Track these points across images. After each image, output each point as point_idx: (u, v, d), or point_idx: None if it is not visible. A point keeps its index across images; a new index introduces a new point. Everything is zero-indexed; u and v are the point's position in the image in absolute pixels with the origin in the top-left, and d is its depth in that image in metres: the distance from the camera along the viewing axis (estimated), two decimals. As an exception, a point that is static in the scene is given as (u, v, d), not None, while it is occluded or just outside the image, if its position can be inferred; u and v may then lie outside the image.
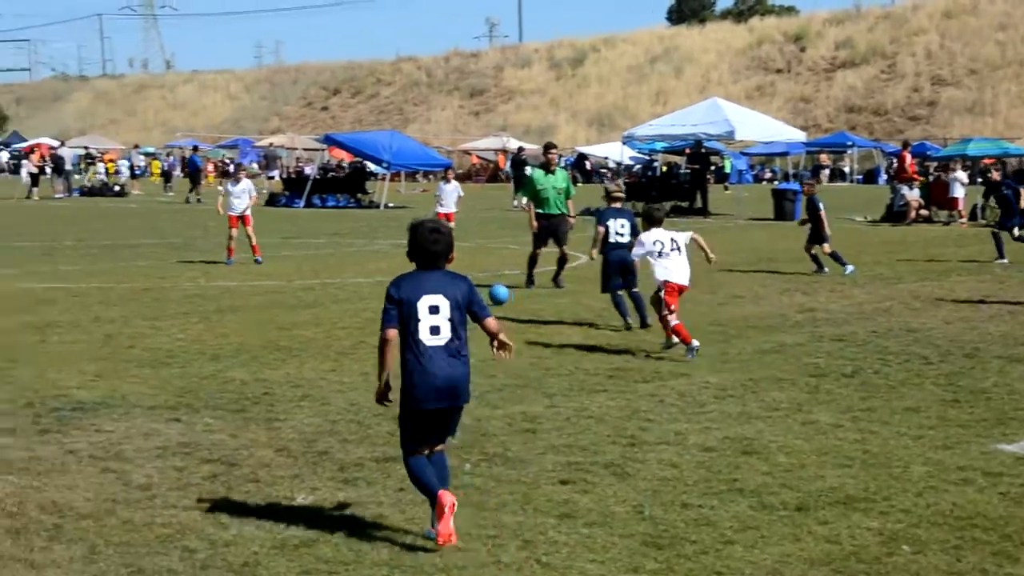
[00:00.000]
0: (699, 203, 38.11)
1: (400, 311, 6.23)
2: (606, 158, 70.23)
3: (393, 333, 6.22)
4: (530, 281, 17.81)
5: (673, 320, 11.95)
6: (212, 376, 10.65)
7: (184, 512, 6.60)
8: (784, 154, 62.45)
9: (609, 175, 39.42)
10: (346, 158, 59.40)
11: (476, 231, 30.41)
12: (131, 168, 61.46)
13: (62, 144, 62.64)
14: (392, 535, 6.24)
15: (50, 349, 12.03)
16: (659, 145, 44.46)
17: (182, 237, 27.77)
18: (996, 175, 29.01)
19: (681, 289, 12.32)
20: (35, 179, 50.27)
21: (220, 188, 21.99)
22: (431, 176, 66.59)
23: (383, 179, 44.85)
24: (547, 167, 17.99)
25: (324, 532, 6.27)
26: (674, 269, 12.29)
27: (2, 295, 16.40)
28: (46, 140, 78.14)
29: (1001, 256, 21.10)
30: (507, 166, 65.55)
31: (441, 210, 24.92)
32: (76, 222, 33.98)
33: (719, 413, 9.21)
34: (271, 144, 71.62)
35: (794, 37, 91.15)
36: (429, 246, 6.33)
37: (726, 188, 54.97)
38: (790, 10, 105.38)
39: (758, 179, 69.47)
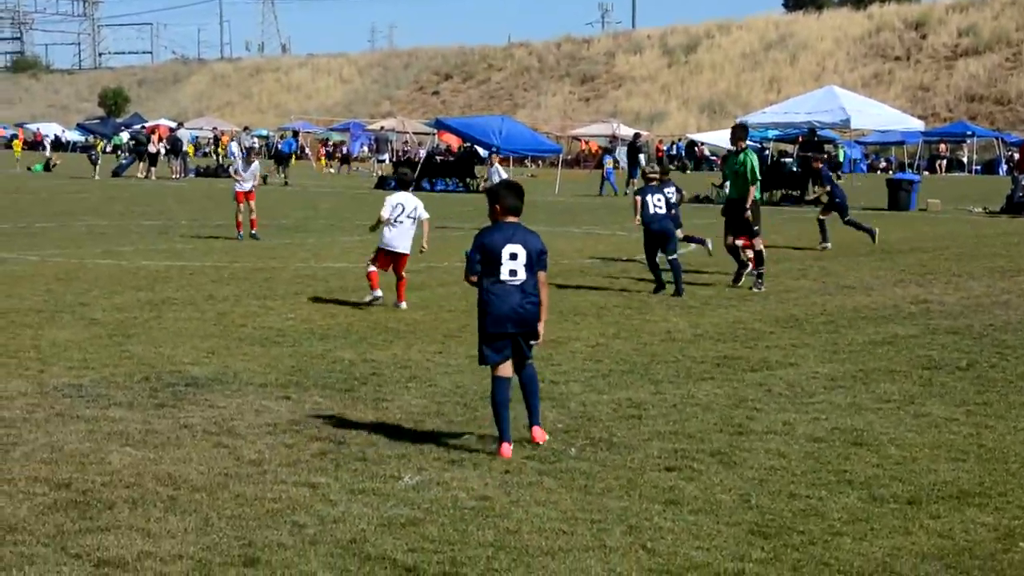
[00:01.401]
0: (811, 193, 37.50)
1: (484, 257, 7.66)
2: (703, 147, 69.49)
3: (475, 279, 7.73)
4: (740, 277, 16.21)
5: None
6: (321, 356, 10.80)
7: (294, 488, 6.70)
8: (900, 143, 61.29)
9: (645, 159, 39.56)
10: (455, 142, 59.75)
11: (586, 217, 30.37)
12: (242, 150, 62.49)
13: (179, 126, 63.91)
14: (497, 517, 6.27)
15: (165, 326, 12.30)
16: (771, 133, 43.91)
17: (292, 218, 28.18)
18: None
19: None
20: (153, 159, 51.38)
21: (235, 169, 23.90)
22: (540, 162, 66.65)
23: (491, 164, 44.96)
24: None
25: (430, 512, 6.32)
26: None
27: (123, 272, 16.81)
28: (165, 122, 79.81)
29: None
30: (618, 152, 65.26)
31: None
32: (191, 202, 34.69)
33: (828, 404, 9.07)
34: (382, 128, 72.16)
35: (915, 24, 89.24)
36: (507, 200, 7.76)
37: (839, 177, 54.02)
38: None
39: (872, 168, 68.25)
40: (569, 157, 68.45)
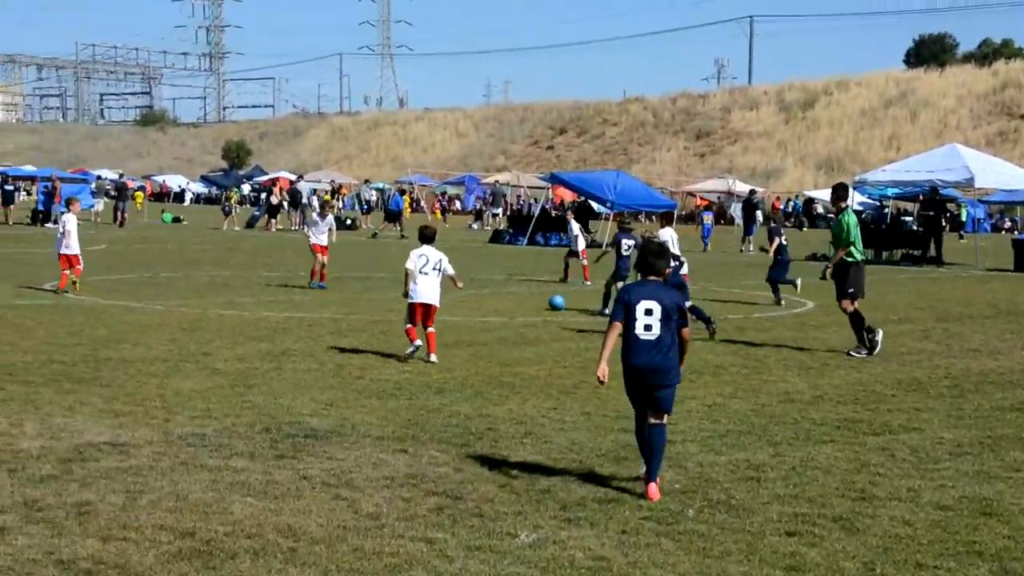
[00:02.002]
0: (932, 251, 36.84)
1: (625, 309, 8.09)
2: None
3: (618, 325, 8.11)
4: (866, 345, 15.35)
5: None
6: (437, 409, 10.85)
7: (411, 543, 6.73)
8: (1025, 202, 59.78)
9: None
10: (569, 197, 59.95)
11: (701, 275, 30.11)
12: (361, 203, 63.53)
13: (300, 178, 65.24)
14: (615, 578, 6.21)
15: (285, 377, 12.49)
16: (891, 191, 43.27)
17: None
18: None
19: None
20: (274, 211, 52.49)
21: (310, 222, 25.75)
22: (654, 217, 66.50)
23: (606, 218, 45.02)
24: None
25: (547, 571, 6.29)
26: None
27: (244, 323, 17.14)
28: (285, 174, 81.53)
29: None
30: (733, 208, 64.86)
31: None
32: (310, 254, 35.22)
33: (954, 471, 8.83)
34: (496, 181, 72.88)
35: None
36: (652, 261, 8.32)
37: (961, 237, 53.03)
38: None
39: (996, 228, 66.76)
40: (684, 213, 68.19)
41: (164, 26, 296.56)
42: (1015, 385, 13.04)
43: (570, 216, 30.65)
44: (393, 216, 50.59)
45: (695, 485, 8.23)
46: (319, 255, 23.74)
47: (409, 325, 13.97)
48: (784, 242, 22.43)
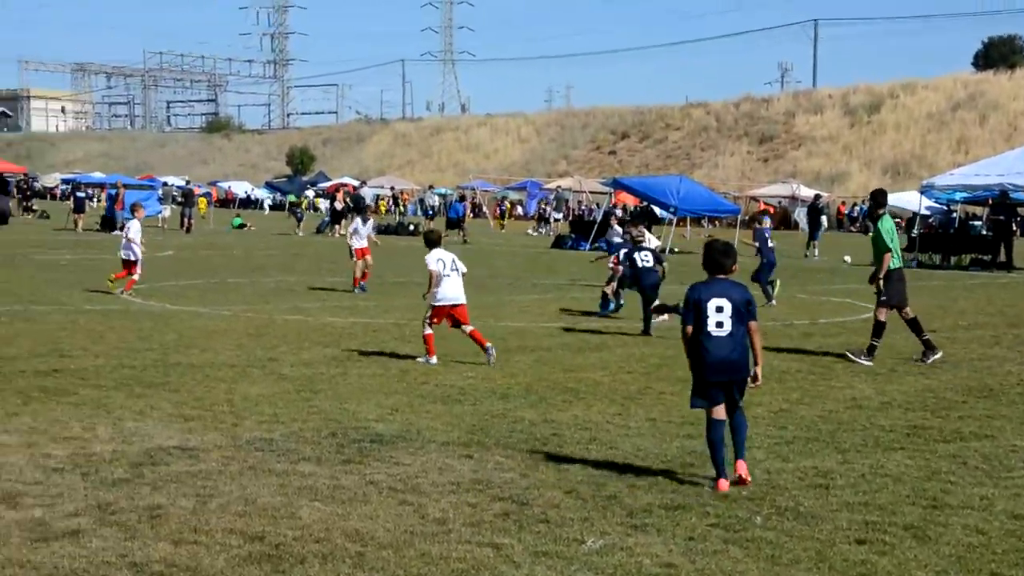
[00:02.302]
0: (1002, 256, 36.28)
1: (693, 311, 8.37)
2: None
3: (691, 328, 8.38)
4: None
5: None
6: (502, 415, 10.86)
7: (478, 548, 6.73)
8: (1098, 206, 58.69)
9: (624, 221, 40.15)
10: (632, 202, 59.79)
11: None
12: (424, 208, 63.84)
13: (363, 184, 65.66)
14: (683, 585, 6.17)
15: (351, 382, 12.57)
16: (959, 195, 42.68)
17: (469, 277, 28.47)
18: None
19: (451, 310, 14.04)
20: (337, 217, 52.85)
21: (352, 226, 25.89)
22: (717, 222, 66.10)
23: (669, 224, 44.85)
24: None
25: (614, 577, 6.27)
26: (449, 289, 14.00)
27: (309, 328, 17.27)
28: (348, 180, 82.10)
29: None
30: (797, 213, 64.34)
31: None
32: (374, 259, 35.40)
33: (1028, 480, 8.69)
34: (558, 187, 72.87)
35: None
36: (719, 258, 8.59)
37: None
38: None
39: (1068, 232, 65.59)
40: (747, 218, 67.74)
41: (230, 34, 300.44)
42: (1089, 392, 12.80)
43: (613, 221, 30.58)
44: (454, 223, 50.74)
45: (763, 492, 8.16)
46: (361, 260, 24.12)
47: (430, 332, 14.00)
48: (771, 244, 23.07)
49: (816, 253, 42.77)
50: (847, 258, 39.26)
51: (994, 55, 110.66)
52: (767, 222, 25.21)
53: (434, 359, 13.88)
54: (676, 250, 42.31)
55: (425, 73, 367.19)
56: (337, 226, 51.98)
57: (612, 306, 20.43)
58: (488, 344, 13.90)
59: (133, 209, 23.89)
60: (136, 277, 21.82)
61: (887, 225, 15.27)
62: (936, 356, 14.91)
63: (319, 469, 8.55)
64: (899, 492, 8.24)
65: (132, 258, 21.80)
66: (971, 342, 17.06)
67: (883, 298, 15.21)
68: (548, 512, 7.55)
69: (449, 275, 14.02)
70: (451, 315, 14.07)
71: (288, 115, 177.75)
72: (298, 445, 9.32)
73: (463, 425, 10.32)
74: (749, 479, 8.27)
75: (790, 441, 9.94)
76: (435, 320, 14.06)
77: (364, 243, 24.57)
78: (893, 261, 15.17)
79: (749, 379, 8.45)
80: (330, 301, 21.76)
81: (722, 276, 8.57)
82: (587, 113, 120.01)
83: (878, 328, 15.14)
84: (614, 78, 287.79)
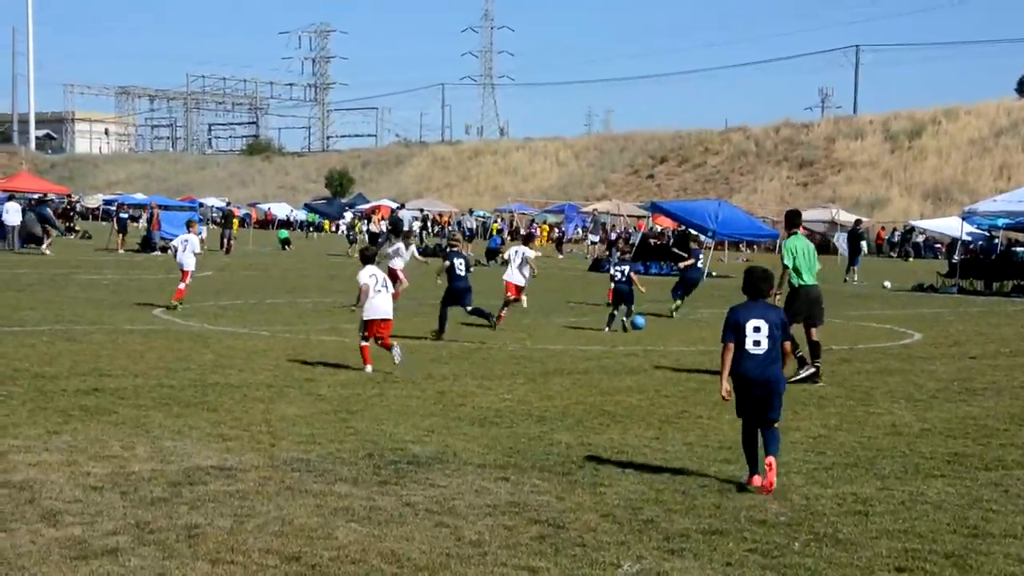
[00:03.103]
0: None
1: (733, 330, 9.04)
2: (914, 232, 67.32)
3: (731, 346, 9.01)
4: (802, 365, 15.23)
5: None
6: (539, 437, 10.84)
7: (514, 571, 6.72)
8: None
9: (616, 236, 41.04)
10: (670, 226, 59.67)
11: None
12: (463, 230, 64.01)
13: (401, 206, 65.93)
14: (719, 611, 6.13)
15: (387, 403, 12.58)
16: (1001, 221, 42.32)
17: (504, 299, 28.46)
18: None
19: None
20: (373, 238, 53.10)
21: (392, 247, 27.08)
22: (755, 246, 65.85)
23: (708, 248, 44.72)
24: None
25: (651, 602, 6.23)
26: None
27: (347, 349, 17.32)
28: (387, 202, 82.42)
29: None
30: (837, 238, 63.94)
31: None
32: (411, 281, 35.49)
33: (1071, 509, 8.58)
34: (596, 210, 72.84)
35: None
36: (757, 283, 9.25)
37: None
38: None
39: (1111, 258, 64.88)
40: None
41: (271, 58, 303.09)
42: None
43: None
44: (494, 254, 50.85)
45: (801, 518, 8.11)
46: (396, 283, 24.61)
47: (366, 344, 15.05)
48: (700, 264, 25.88)
49: (856, 278, 42.50)
50: (887, 283, 39.02)
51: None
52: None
53: (368, 368, 14.80)
54: (714, 274, 42.19)
55: (464, 97, 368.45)
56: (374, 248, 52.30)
57: (613, 323, 21.71)
58: (394, 343, 14.98)
59: (189, 225, 25.68)
60: (183, 287, 23.08)
61: (790, 244, 15.75)
62: (805, 373, 14.90)
63: (355, 490, 8.56)
64: (939, 520, 8.16)
65: (186, 268, 23.37)
66: (1013, 369, 16.88)
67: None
68: (584, 536, 7.52)
69: (380, 291, 15.07)
70: (378, 329, 15.00)
71: (328, 138, 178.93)
72: (335, 466, 9.34)
73: (499, 447, 10.31)
74: (774, 474, 8.75)
75: (828, 467, 9.86)
76: (368, 333, 15.02)
77: (399, 264, 25.33)
78: (797, 279, 15.49)
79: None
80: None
81: (760, 299, 9.21)
82: (626, 137, 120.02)
83: (811, 347, 15.39)
84: (654, 102, 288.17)
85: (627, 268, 21.98)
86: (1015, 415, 12.83)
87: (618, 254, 24.46)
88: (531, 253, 22.06)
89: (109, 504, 7.95)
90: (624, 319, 21.56)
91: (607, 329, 21.34)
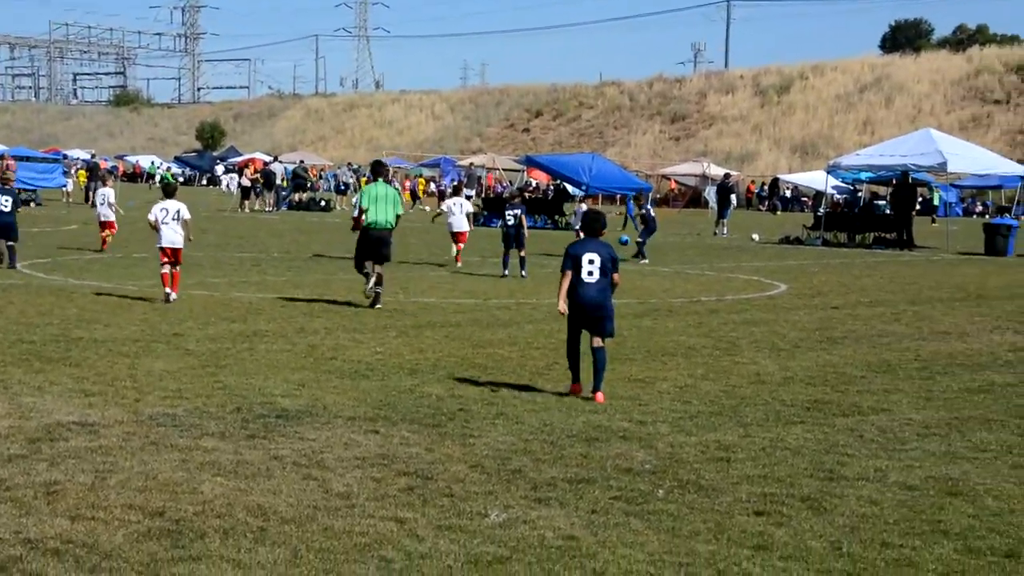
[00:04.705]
0: (905, 235, 37.02)
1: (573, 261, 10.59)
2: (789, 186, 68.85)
3: (569, 273, 10.58)
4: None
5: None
6: (409, 390, 10.86)
7: (381, 522, 6.74)
8: (998, 187, 60.27)
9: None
10: (544, 179, 59.95)
11: (675, 257, 30.24)
12: (337, 184, 63.43)
13: (274, 159, 64.96)
14: (584, 557, 6.24)
15: (257, 357, 12.46)
16: (864, 175, 43.44)
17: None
18: None
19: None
20: (247, 192, 52.30)
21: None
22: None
23: (580, 201, 44.98)
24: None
25: (516, 550, 6.31)
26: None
27: (215, 303, 17.08)
28: (259, 155, 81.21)
29: None
30: (707, 192, 64.99)
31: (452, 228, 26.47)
32: (283, 235, 35.17)
33: (921, 451, 8.91)
34: (472, 164, 72.77)
35: (1016, 67, 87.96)
36: (592, 224, 10.99)
37: (933, 221, 53.31)
38: (1014, 39, 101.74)
39: (968, 212, 67.16)
40: (659, 196, 68.28)
41: (139, 6, 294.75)
42: (983, 367, 13.15)
43: (579, 202, 34.08)
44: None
45: (665, 465, 8.27)
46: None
47: (165, 271, 16.85)
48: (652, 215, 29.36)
49: (725, 231, 43.24)
50: (755, 236, 39.79)
51: (900, 38, 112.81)
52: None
53: (168, 290, 16.73)
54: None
55: (339, 49, 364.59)
56: (247, 201, 51.49)
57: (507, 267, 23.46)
58: (168, 290, 16.73)
59: (104, 179, 31.60)
60: (105, 235, 26.42)
61: (368, 189, 17.89)
62: (372, 291, 17.09)
63: (222, 444, 8.48)
64: (797, 465, 8.40)
65: (105, 219, 26.47)
66: (872, 318, 17.40)
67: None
68: (452, 486, 7.57)
69: (168, 223, 16.97)
70: (171, 255, 16.91)
71: (199, 89, 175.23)
72: (202, 420, 9.23)
73: (370, 400, 10.30)
74: (603, 401, 10.37)
75: (694, 416, 10.07)
76: (162, 259, 16.90)
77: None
78: (368, 219, 17.45)
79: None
80: (237, 276, 21.54)
81: (595, 237, 10.82)
82: (501, 91, 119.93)
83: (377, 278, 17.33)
84: (529, 56, 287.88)
85: (519, 211, 23.93)
86: (871, 363, 13.24)
87: (512, 200, 26.38)
88: (469, 206, 26.07)
89: (-35, 462, 7.74)
90: (520, 266, 23.16)
91: (504, 273, 22.91)
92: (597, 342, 10.61)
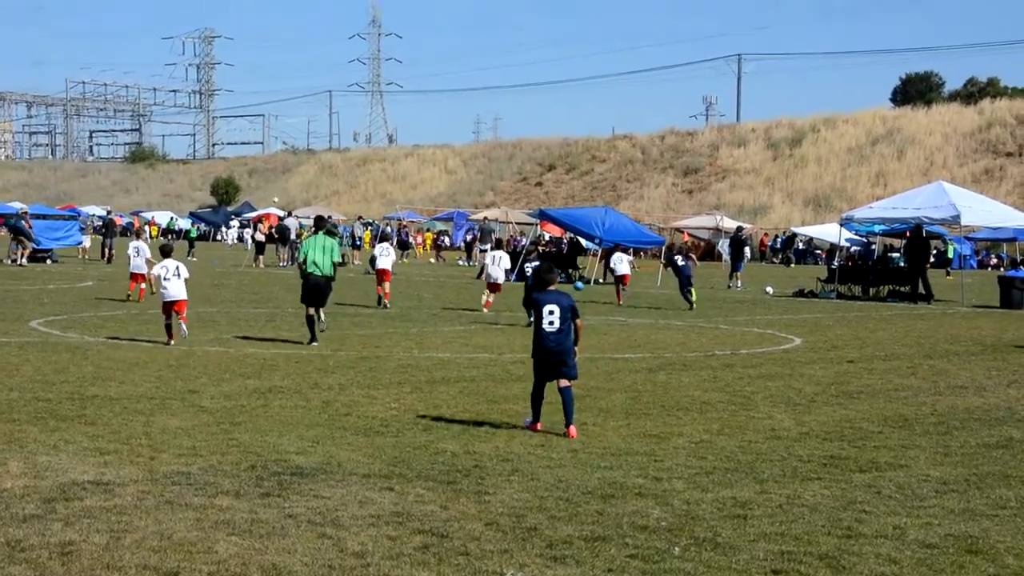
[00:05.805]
0: (921, 288, 36.94)
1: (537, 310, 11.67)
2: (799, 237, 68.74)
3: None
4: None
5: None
6: (424, 447, 10.83)
7: (396, 581, 6.69)
8: (1012, 240, 60.16)
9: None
10: (558, 233, 60.03)
11: (689, 311, 30.16)
12: (352, 238, 63.63)
13: (288, 214, 65.24)
14: (600, 617, 6.19)
15: (272, 414, 12.46)
16: (878, 228, 43.43)
17: (395, 307, 28.44)
18: None
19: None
20: (261, 247, 52.47)
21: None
22: (642, 253, 66.56)
23: (594, 255, 45.09)
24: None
25: (532, 610, 6.26)
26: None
27: (229, 359, 17.10)
28: (273, 210, 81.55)
29: None
30: (721, 244, 64.98)
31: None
32: (298, 289, 35.12)
33: (940, 508, 8.84)
34: (485, 218, 72.91)
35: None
36: (546, 276, 12.02)
37: (948, 274, 53.22)
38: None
39: (983, 265, 67.05)
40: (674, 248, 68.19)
41: (154, 64, 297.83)
42: (1001, 422, 13.07)
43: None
44: (373, 261, 50.64)
45: (681, 523, 8.22)
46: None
47: (168, 323, 18.77)
48: (681, 263, 31.28)
49: (739, 284, 43.22)
50: (769, 289, 39.75)
51: (911, 91, 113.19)
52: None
53: (174, 341, 18.43)
54: (600, 281, 42.58)
55: (353, 105, 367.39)
56: (261, 256, 51.64)
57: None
58: (173, 341, 18.41)
59: (138, 233, 33.96)
60: (143, 287, 27.34)
61: (308, 240, 20.14)
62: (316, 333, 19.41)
63: (237, 503, 8.46)
64: (815, 522, 8.34)
65: (139, 271, 27.61)
66: (888, 372, 17.33)
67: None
68: (468, 544, 7.53)
69: (169, 279, 18.92)
70: (174, 308, 18.92)
71: (213, 145, 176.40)
72: (216, 478, 9.22)
73: (384, 457, 10.28)
74: (576, 436, 11.30)
75: (709, 472, 10.01)
76: (164, 311, 19.01)
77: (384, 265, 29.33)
78: (309, 268, 19.57)
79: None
80: (251, 332, 21.56)
81: (552, 288, 11.76)
82: (514, 145, 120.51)
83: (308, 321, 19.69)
84: (542, 110, 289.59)
85: (536, 264, 25.09)
86: (888, 417, 13.17)
87: (528, 255, 28.18)
88: (507, 261, 28.55)
89: (-20, 522, 7.73)
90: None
91: (530, 321, 23.63)
92: (563, 383, 11.55)
